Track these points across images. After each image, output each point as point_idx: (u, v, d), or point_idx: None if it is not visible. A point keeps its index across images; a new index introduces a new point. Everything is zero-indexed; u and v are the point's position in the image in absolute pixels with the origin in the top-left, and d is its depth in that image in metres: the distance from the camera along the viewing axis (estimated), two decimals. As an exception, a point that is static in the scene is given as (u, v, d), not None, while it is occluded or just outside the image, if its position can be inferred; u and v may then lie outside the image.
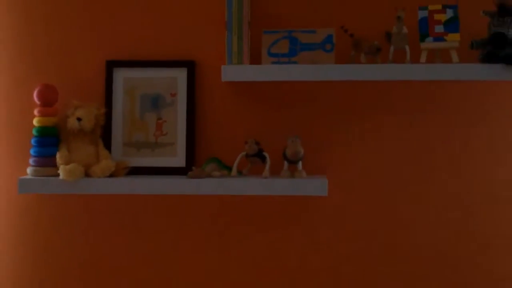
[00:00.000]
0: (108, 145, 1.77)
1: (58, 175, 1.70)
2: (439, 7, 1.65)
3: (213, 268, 1.83)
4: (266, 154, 1.71)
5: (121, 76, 1.78)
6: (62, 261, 1.84)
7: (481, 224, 1.79)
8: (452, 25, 1.64)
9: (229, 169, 1.75)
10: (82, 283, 1.83)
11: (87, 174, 1.71)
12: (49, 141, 1.74)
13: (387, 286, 1.83)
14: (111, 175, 1.72)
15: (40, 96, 1.72)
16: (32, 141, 1.75)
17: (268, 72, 1.62)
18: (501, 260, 1.80)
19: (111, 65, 1.74)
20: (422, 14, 1.65)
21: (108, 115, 1.78)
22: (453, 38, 1.65)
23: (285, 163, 1.71)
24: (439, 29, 1.65)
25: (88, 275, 1.83)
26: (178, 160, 1.78)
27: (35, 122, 1.74)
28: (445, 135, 1.79)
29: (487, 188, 1.78)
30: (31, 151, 1.75)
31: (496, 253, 1.81)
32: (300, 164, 1.71)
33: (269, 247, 1.83)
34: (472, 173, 1.79)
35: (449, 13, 1.65)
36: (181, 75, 1.77)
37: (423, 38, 1.65)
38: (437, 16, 1.66)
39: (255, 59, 1.77)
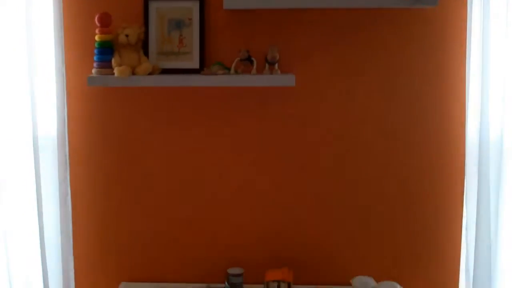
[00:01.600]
0: (146, 54, 2.25)
1: (113, 73, 2.18)
2: None
3: (218, 141, 2.33)
4: (253, 59, 2.20)
5: (154, 6, 2.27)
6: (117, 128, 2.32)
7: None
8: None
9: (229, 69, 2.23)
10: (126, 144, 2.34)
11: (133, 73, 2.18)
12: (106, 51, 2.21)
13: (354, 158, 2.34)
14: (149, 74, 2.21)
15: (99, 20, 2.20)
16: (95, 51, 2.23)
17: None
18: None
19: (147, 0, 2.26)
20: None
21: (146, 33, 2.26)
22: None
23: (266, 65, 2.23)
24: None
25: (131, 144, 2.34)
26: (194, 63, 2.27)
27: (96, 38, 2.21)
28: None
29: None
30: (95, 58, 2.23)
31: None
32: (276, 65, 2.22)
33: (262, 121, 2.31)
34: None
35: None
36: (195, 5, 2.26)
37: None
38: None
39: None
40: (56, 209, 2.32)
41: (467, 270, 2.36)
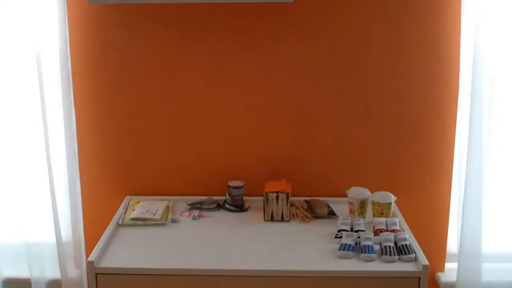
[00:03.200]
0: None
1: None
2: None
3: (219, 58, 2.34)
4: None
5: None
6: (118, 44, 2.32)
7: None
8: None
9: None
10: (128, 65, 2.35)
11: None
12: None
13: (354, 75, 2.36)
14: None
15: None
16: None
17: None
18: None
19: None
20: None
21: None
22: None
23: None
24: None
25: (132, 58, 2.34)
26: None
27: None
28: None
29: None
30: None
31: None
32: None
33: (263, 38, 2.31)
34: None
35: None
36: None
37: None
38: None
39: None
40: (60, 124, 2.35)
41: (459, 181, 2.43)
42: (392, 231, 2.18)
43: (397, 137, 2.47)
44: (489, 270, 2.42)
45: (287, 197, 2.30)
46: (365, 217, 2.34)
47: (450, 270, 2.55)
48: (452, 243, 2.55)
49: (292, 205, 2.39)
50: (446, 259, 2.57)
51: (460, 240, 2.38)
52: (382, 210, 2.30)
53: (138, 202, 2.44)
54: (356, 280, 1.97)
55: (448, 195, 2.50)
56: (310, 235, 2.21)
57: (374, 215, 2.32)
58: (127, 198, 2.50)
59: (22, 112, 2.34)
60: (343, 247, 2.06)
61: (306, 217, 2.34)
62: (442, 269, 2.58)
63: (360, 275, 1.97)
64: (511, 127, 2.36)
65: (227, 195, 2.42)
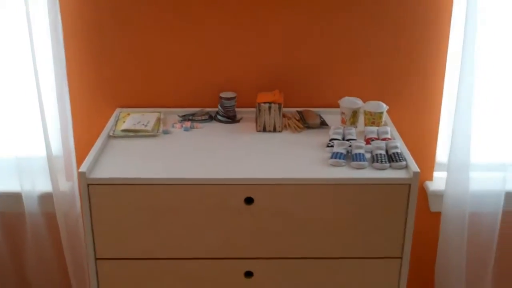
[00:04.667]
0: None
1: None
2: None
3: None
4: None
5: None
6: None
7: None
8: None
9: None
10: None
11: None
12: None
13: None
14: None
15: None
16: None
17: None
18: None
19: None
20: None
21: None
22: None
23: None
24: None
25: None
26: None
27: None
28: None
29: None
30: None
31: None
32: None
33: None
34: None
35: None
36: None
37: None
38: None
39: None
40: (46, 35, 2.28)
41: (450, 91, 2.45)
42: (384, 139, 2.19)
43: (390, 48, 2.44)
44: (477, 180, 2.45)
45: (280, 108, 2.29)
46: (357, 127, 2.34)
47: (439, 179, 2.60)
48: (442, 153, 2.58)
49: (284, 115, 2.38)
50: (435, 168, 2.60)
51: (450, 150, 2.40)
52: (374, 119, 2.30)
53: (128, 114, 2.42)
54: (348, 187, 2.00)
55: (439, 105, 2.51)
56: (302, 145, 2.21)
57: (365, 125, 2.32)
58: (118, 110, 2.46)
59: (6, 21, 2.28)
60: (335, 156, 2.07)
61: (298, 127, 2.35)
62: (430, 178, 2.62)
63: (351, 182, 1.99)
64: (503, 38, 2.33)
65: (219, 106, 2.41)
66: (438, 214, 2.56)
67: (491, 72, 2.35)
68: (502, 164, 2.46)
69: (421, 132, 2.54)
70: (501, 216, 2.50)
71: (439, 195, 2.55)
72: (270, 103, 2.29)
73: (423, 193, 2.62)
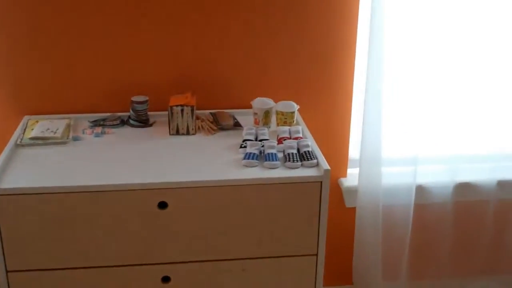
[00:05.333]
0: None
1: None
2: None
3: None
4: None
5: None
6: None
7: None
8: None
9: None
10: None
11: None
12: None
13: None
14: None
15: None
16: None
17: None
18: None
19: None
20: None
21: None
22: None
23: None
24: None
25: None
26: None
27: None
28: None
29: None
30: None
31: None
32: None
33: None
34: None
35: None
36: None
37: None
38: None
39: None
40: None
41: (360, 90, 2.49)
42: (295, 138, 2.20)
43: (300, 49, 2.45)
44: (389, 174, 2.51)
45: (192, 110, 2.27)
46: (269, 127, 2.34)
47: (352, 175, 2.64)
48: (354, 150, 2.62)
49: (197, 118, 2.37)
50: (348, 165, 2.64)
51: (361, 146, 2.46)
52: (286, 119, 2.31)
53: (37, 122, 2.35)
54: (261, 187, 1.99)
55: (349, 103, 2.54)
56: (215, 146, 2.21)
57: (278, 124, 2.32)
58: (26, 118, 2.39)
59: None
60: (248, 156, 2.07)
61: (212, 129, 2.33)
62: (344, 174, 2.66)
63: (264, 182, 1.99)
64: (409, 34, 2.37)
65: (131, 110, 2.36)
66: (353, 210, 2.62)
67: (398, 68, 2.39)
68: (412, 158, 2.51)
69: (333, 130, 2.56)
70: (413, 208, 2.57)
71: (353, 191, 2.59)
72: (182, 105, 2.26)
73: (338, 189, 2.66)
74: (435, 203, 2.61)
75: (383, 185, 2.50)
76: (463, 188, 2.60)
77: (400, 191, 2.54)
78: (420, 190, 2.57)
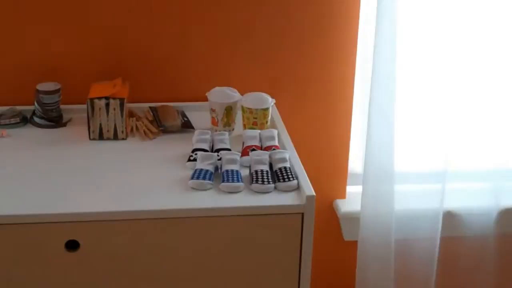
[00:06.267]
0: None
1: None
2: None
3: None
4: None
5: None
6: None
7: None
8: None
9: None
10: None
11: None
12: None
13: None
14: None
15: None
16: None
17: None
18: None
19: None
20: None
21: None
22: None
23: None
24: None
25: None
26: None
27: None
28: None
29: None
30: None
31: None
32: None
33: None
34: None
35: None
36: None
37: None
38: None
39: None
40: None
41: (362, 79, 2.52)
42: (268, 148, 2.15)
43: (284, 15, 2.45)
44: (404, 194, 2.51)
45: (122, 104, 2.22)
46: (232, 129, 2.32)
47: (353, 195, 2.63)
48: (356, 160, 2.63)
49: (130, 115, 2.35)
50: (348, 181, 2.64)
51: (366, 155, 2.44)
52: (256, 119, 2.27)
53: None
54: (213, 221, 1.94)
55: (349, 96, 2.52)
56: (154, 158, 2.18)
57: (245, 127, 2.30)
58: None
59: None
60: (197, 174, 2.00)
61: (151, 131, 2.30)
62: (342, 195, 2.66)
63: (218, 213, 1.94)
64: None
65: (36, 104, 2.33)
66: (354, 244, 2.60)
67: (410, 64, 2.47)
68: (439, 173, 2.52)
69: (326, 132, 2.56)
70: (439, 244, 2.57)
71: (354, 218, 2.56)
72: (108, 98, 2.22)
73: (333, 216, 2.66)
74: (471, 236, 2.63)
75: (396, 211, 2.49)
76: (510, 215, 2.61)
77: (421, 219, 2.54)
78: (449, 217, 2.58)
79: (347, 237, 2.66)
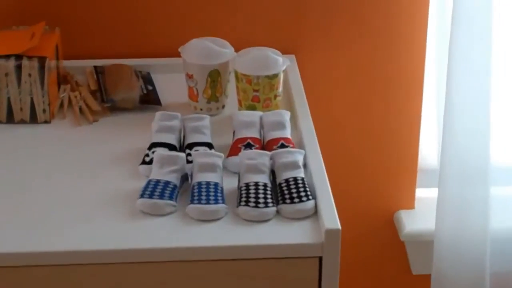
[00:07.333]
0: None
1: None
2: None
3: None
4: None
5: None
6: None
7: None
8: None
9: None
10: None
11: None
12: None
13: None
14: None
15: None
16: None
17: None
18: None
19: None
20: None
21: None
22: None
23: None
24: None
25: None
26: None
27: None
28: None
29: None
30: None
31: None
32: None
33: None
34: None
35: None
36: None
37: None
38: None
39: None
40: None
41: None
42: (273, 143, 2.03)
43: None
44: (503, 202, 2.53)
45: (42, 67, 2.17)
46: (222, 107, 2.26)
47: (424, 203, 2.67)
48: (429, 152, 2.65)
49: (64, 82, 2.34)
50: (417, 183, 2.65)
51: (442, 142, 2.46)
52: (257, 92, 2.18)
53: None
54: (173, 269, 1.83)
55: (420, 59, 2.54)
56: (93, 155, 2.12)
57: (240, 104, 2.23)
58: None
59: None
60: (150, 190, 1.88)
61: (91, 109, 2.24)
62: (408, 203, 2.67)
63: (179, 257, 1.83)
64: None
65: None
66: (427, 279, 2.60)
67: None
68: None
69: (384, 114, 2.55)
70: None
71: (427, 242, 2.57)
72: (20, 56, 2.17)
73: (394, 236, 2.67)
74: None
75: (492, 228, 2.48)
76: None
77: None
78: None
79: (415, 270, 2.67)
